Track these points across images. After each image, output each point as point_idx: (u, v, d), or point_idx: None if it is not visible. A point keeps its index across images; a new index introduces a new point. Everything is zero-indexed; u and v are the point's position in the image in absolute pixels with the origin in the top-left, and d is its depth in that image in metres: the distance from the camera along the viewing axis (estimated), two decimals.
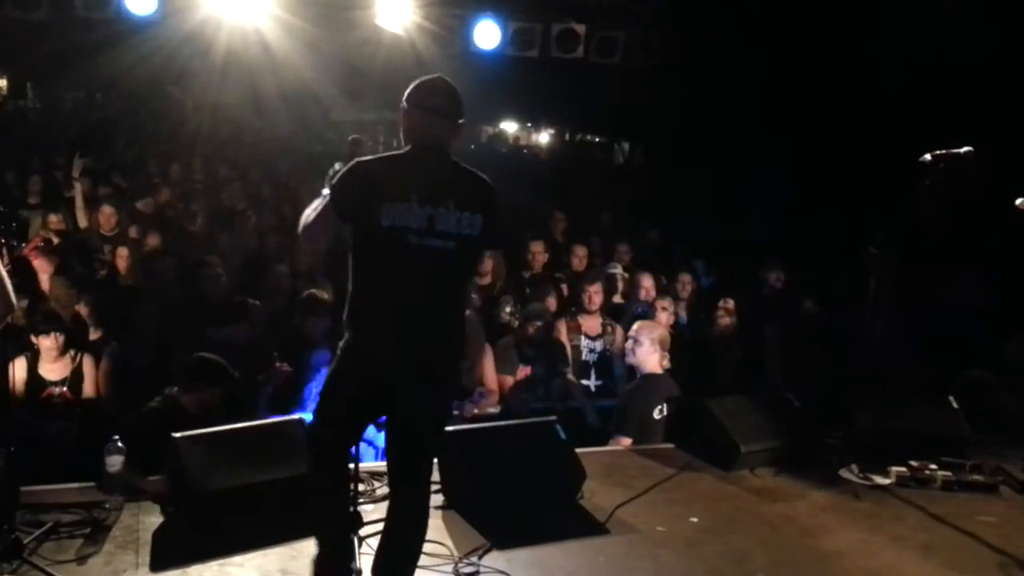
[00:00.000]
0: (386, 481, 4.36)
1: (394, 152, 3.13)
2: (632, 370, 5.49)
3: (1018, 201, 4.26)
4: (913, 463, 4.82)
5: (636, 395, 5.28)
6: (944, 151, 4.41)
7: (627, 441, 5.14)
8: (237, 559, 3.64)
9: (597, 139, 17.37)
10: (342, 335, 3.11)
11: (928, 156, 4.46)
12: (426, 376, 3.08)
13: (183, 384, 4.53)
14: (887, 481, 4.79)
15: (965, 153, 4.37)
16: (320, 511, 3.32)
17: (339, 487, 3.37)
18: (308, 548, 3.76)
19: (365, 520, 3.89)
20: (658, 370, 5.25)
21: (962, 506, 4.47)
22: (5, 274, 3.05)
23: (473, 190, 3.07)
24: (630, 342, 5.34)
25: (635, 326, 5.41)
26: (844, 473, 4.89)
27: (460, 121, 3.18)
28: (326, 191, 3.11)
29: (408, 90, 3.16)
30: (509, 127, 19.17)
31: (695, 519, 4.31)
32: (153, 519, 3.93)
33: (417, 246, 2.94)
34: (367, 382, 3.08)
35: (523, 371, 5.91)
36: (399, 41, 8.32)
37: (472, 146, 17.77)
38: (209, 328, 5.42)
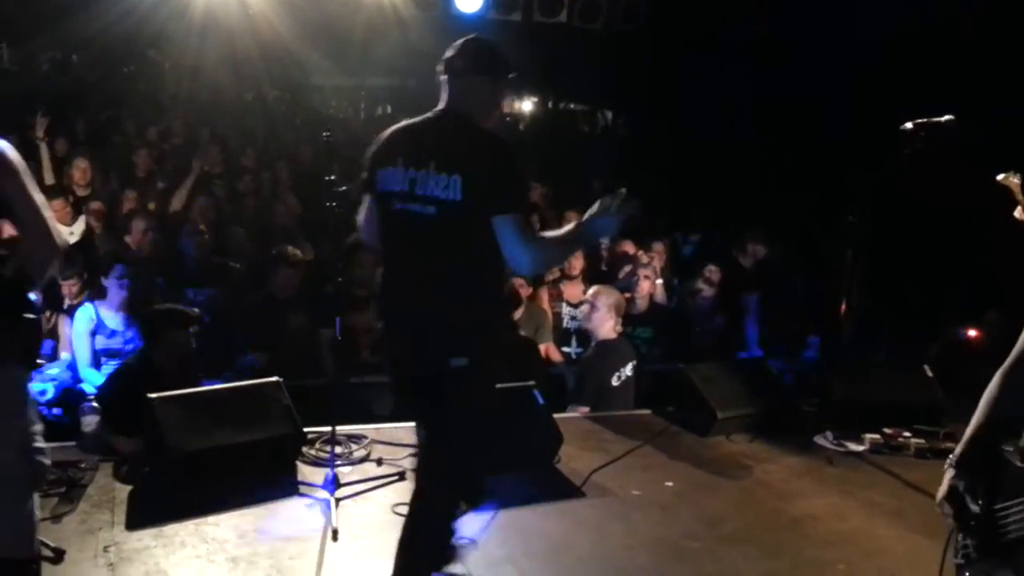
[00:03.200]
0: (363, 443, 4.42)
1: (413, 119, 2.92)
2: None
3: (1000, 176, 4.27)
4: (887, 430, 4.88)
5: (593, 363, 5.30)
6: (925, 120, 4.41)
7: (585, 410, 5.18)
8: (212, 519, 3.64)
9: (580, 107, 17.26)
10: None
11: (909, 125, 4.45)
12: (422, 360, 2.79)
13: (151, 338, 4.50)
14: (861, 448, 4.85)
15: (946, 122, 4.37)
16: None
17: None
18: (284, 508, 3.78)
19: (342, 482, 3.91)
20: (612, 335, 5.26)
21: (934, 473, 4.40)
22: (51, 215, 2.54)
23: (461, 151, 2.70)
24: (587, 307, 5.33)
25: (592, 291, 5.40)
26: (819, 440, 4.94)
27: (482, 77, 2.84)
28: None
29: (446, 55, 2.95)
30: None
31: (670, 483, 4.35)
32: (129, 480, 3.92)
33: (400, 211, 2.73)
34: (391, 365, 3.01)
35: None
36: (380, 4, 8.20)
37: None
38: (189, 289, 5.39)
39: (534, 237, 2.75)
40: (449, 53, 2.88)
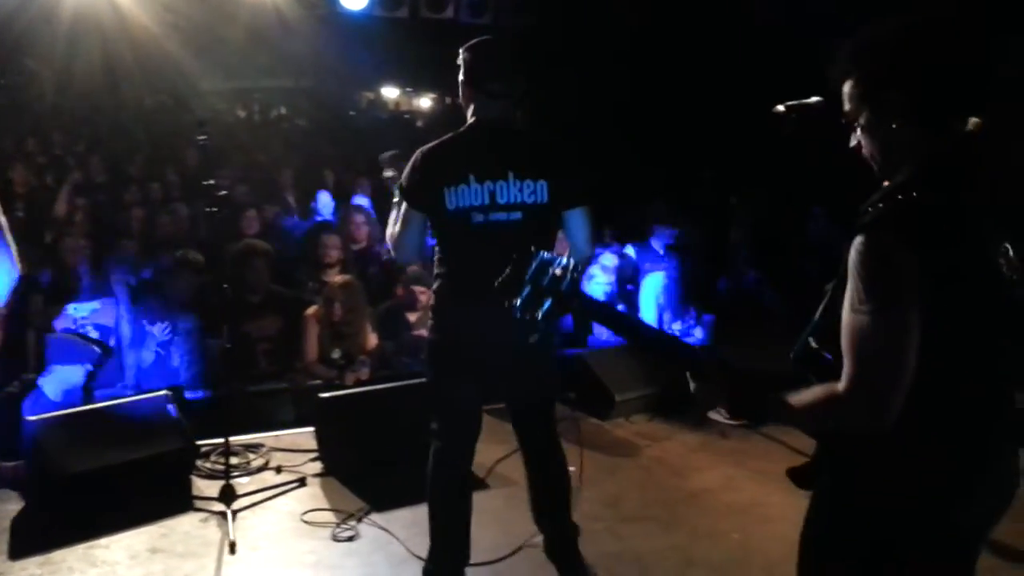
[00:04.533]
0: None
1: (453, 134, 2.98)
2: None
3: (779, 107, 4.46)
4: None
5: None
6: (796, 102, 4.56)
7: None
8: (103, 541, 3.54)
9: None
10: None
11: (781, 107, 4.59)
12: (518, 344, 2.96)
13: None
14: None
15: (815, 103, 4.52)
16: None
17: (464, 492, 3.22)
18: (178, 525, 3.69)
19: (239, 493, 3.84)
20: None
21: None
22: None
23: (534, 156, 2.94)
24: None
25: None
26: (713, 415, 5.08)
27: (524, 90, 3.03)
28: (396, 199, 3.06)
29: (465, 62, 2.99)
30: (389, 92, 18.86)
31: (572, 468, 4.36)
32: (11, 506, 3.77)
33: (483, 223, 2.88)
34: (460, 368, 3.02)
35: (420, 334, 5.88)
36: (262, 5, 8.03)
37: (352, 112, 17.42)
38: (70, 304, 5.19)
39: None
40: (494, 82, 2.95)
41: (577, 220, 2.98)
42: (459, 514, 3.17)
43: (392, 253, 3.21)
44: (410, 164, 2.96)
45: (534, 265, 1.75)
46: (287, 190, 8.59)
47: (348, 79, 14.81)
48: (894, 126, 1.72)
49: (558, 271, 1.74)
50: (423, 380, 4.60)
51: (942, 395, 1.69)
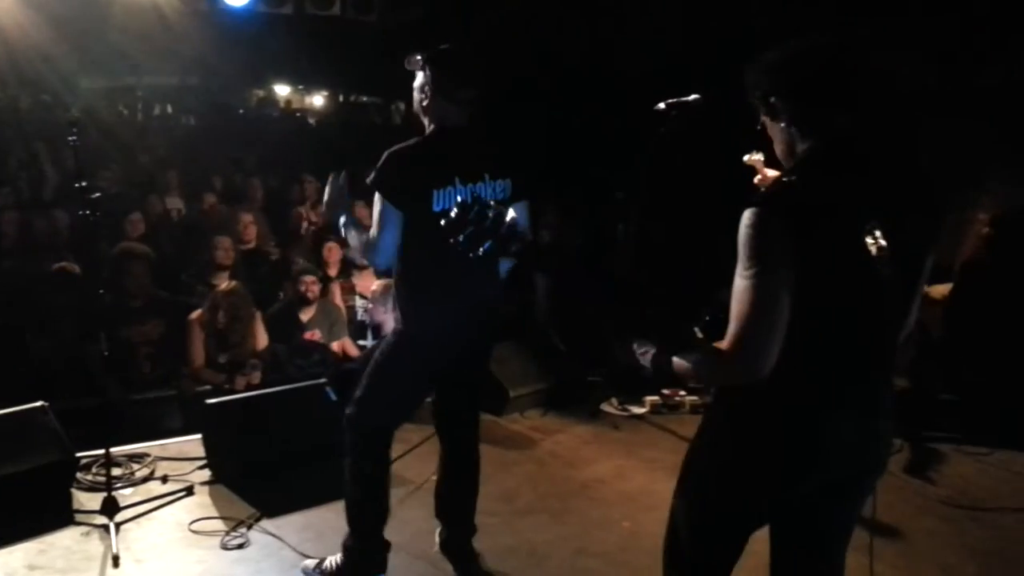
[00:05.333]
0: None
1: (424, 139, 3.06)
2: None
3: (745, 157, 4.64)
4: (665, 391, 5.21)
5: None
6: (675, 99, 4.70)
7: None
8: None
9: (373, 100, 17.11)
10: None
11: (662, 105, 4.73)
12: (483, 338, 3.31)
13: None
14: (642, 410, 5.17)
15: (693, 100, 4.67)
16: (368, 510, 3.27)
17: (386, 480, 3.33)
18: (58, 540, 3.56)
19: (122, 504, 3.72)
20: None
21: None
22: None
23: (503, 157, 3.15)
24: (369, 304, 5.36)
25: (374, 286, 5.42)
26: (605, 407, 5.22)
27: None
28: (343, 219, 3.13)
29: (432, 73, 3.02)
30: (281, 90, 18.47)
31: None
32: None
33: None
34: (432, 366, 3.15)
35: (311, 335, 5.81)
36: (137, 2, 7.76)
37: (240, 111, 17.01)
38: None
39: None
40: (466, 91, 3.05)
41: (524, 210, 3.19)
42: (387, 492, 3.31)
43: (367, 260, 3.26)
44: (389, 166, 2.97)
45: (475, 208, 1.94)
46: (172, 191, 8.34)
47: (236, 76, 14.45)
48: (782, 125, 2.04)
49: (492, 214, 1.94)
50: (316, 382, 4.63)
51: (805, 355, 1.92)
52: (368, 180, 3.00)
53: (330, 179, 3.16)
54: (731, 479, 2.08)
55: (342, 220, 3.18)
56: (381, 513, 3.27)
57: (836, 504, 2.14)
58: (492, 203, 1.95)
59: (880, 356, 2.07)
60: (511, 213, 1.95)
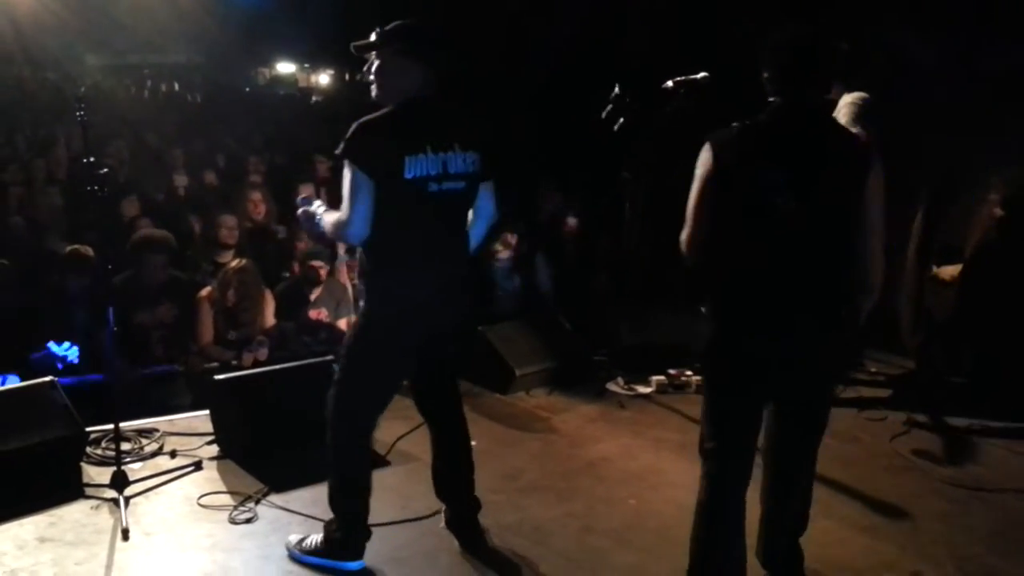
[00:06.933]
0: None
1: (392, 110, 3.01)
2: None
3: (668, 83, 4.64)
4: (671, 371, 5.22)
5: None
6: (683, 77, 4.69)
7: None
8: None
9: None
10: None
11: (669, 83, 4.72)
12: (457, 312, 3.26)
13: None
14: (648, 390, 5.17)
15: (701, 78, 4.67)
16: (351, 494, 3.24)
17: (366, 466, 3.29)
18: (68, 513, 3.59)
19: (132, 479, 3.75)
20: None
21: None
22: None
23: (471, 129, 3.15)
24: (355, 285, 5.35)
25: None
26: (611, 386, 5.22)
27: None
28: (311, 206, 3.22)
29: (402, 39, 3.02)
30: (286, 68, 18.44)
31: (474, 442, 4.43)
32: None
33: (437, 192, 3.02)
34: (402, 341, 3.10)
35: (317, 313, 5.83)
36: None
37: (248, 89, 17.00)
38: None
39: None
40: (445, 54, 3.10)
41: (491, 192, 3.22)
42: (369, 479, 3.27)
43: (341, 238, 3.32)
44: (361, 134, 2.94)
45: None
46: (178, 169, 8.35)
47: (243, 55, 14.44)
48: (769, 95, 2.72)
49: None
50: (323, 359, 4.64)
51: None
52: (337, 152, 2.98)
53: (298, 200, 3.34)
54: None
55: (311, 206, 3.24)
56: (361, 499, 3.23)
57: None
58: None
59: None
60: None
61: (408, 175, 2.94)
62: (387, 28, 3.06)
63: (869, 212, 2.66)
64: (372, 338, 3.11)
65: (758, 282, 2.68)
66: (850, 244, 2.67)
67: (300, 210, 3.32)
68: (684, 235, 2.78)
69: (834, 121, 2.97)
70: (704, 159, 2.67)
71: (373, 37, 3.08)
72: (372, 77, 3.11)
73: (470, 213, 3.22)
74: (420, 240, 3.04)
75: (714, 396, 2.92)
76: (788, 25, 2.70)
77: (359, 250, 3.16)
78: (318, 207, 3.25)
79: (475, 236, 3.28)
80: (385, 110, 3.02)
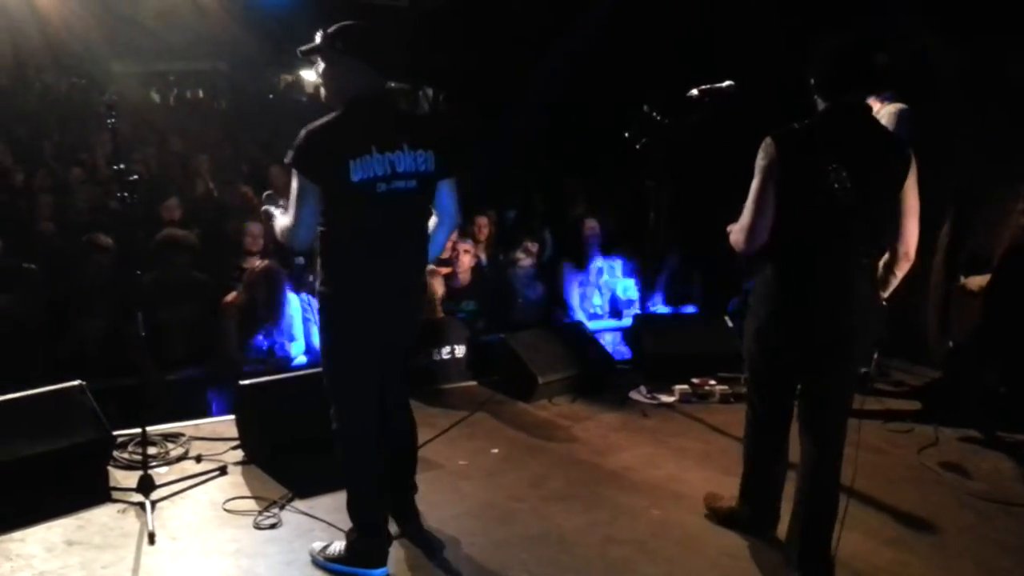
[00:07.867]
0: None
1: (338, 113, 3.00)
2: None
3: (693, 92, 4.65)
4: (694, 380, 5.19)
5: None
6: (708, 86, 4.67)
7: None
8: (17, 535, 3.44)
9: (400, 86, 17.13)
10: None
11: (695, 91, 4.70)
12: (408, 308, 3.25)
13: None
14: (671, 399, 5.14)
15: (727, 87, 4.65)
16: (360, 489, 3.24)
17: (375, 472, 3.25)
18: (95, 517, 3.62)
19: (158, 483, 3.78)
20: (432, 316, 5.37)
21: (737, 416, 4.77)
22: None
23: (423, 129, 3.15)
24: None
25: None
26: (634, 395, 5.20)
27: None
28: (269, 207, 3.34)
29: (345, 38, 3.01)
30: (308, 75, 18.55)
31: (496, 450, 4.46)
32: None
33: (386, 192, 3.01)
34: (366, 333, 3.11)
35: None
36: None
37: (271, 95, 17.10)
38: None
39: None
40: (390, 55, 3.10)
41: (452, 191, 3.22)
42: (379, 488, 3.26)
43: (288, 244, 3.24)
44: (305, 141, 2.95)
45: None
46: (203, 175, 8.42)
47: (266, 61, 14.53)
48: (815, 96, 3.10)
49: None
50: None
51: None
52: (285, 160, 2.99)
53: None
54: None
55: (273, 206, 3.32)
56: (376, 508, 3.23)
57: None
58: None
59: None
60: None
61: (355, 178, 2.94)
62: (330, 29, 3.05)
63: (908, 196, 3.04)
64: (335, 343, 3.14)
65: (814, 256, 3.03)
66: (894, 221, 3.06)
67: (263, 208, 3.40)
68: (742, 223, 3.08)
69: (877, 120, 3.21)
70: (768, 152, 2.98)
71: (318, 39, 3.07)
72: (322, 79, 3.11)
73: (433, 217, 3.22)
74: (369, 238, 3.03)
75: (763, 361, 3.32)
76: (831, 36, 3.05)
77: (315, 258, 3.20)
78: (276, 210, 3.31)
79: (438, 238, 3.30)
80: (332, 114, 3.01)
